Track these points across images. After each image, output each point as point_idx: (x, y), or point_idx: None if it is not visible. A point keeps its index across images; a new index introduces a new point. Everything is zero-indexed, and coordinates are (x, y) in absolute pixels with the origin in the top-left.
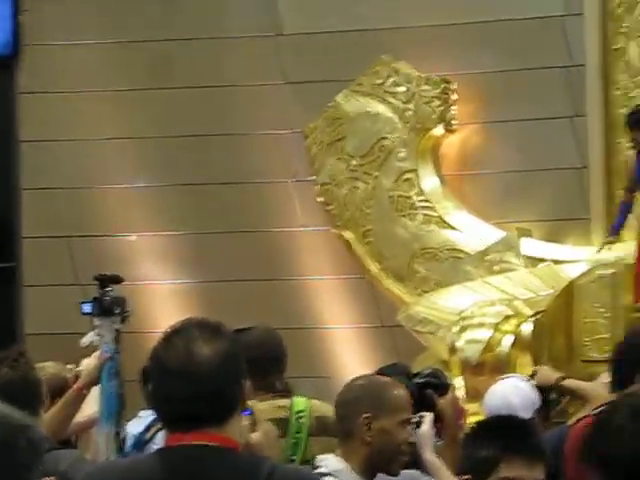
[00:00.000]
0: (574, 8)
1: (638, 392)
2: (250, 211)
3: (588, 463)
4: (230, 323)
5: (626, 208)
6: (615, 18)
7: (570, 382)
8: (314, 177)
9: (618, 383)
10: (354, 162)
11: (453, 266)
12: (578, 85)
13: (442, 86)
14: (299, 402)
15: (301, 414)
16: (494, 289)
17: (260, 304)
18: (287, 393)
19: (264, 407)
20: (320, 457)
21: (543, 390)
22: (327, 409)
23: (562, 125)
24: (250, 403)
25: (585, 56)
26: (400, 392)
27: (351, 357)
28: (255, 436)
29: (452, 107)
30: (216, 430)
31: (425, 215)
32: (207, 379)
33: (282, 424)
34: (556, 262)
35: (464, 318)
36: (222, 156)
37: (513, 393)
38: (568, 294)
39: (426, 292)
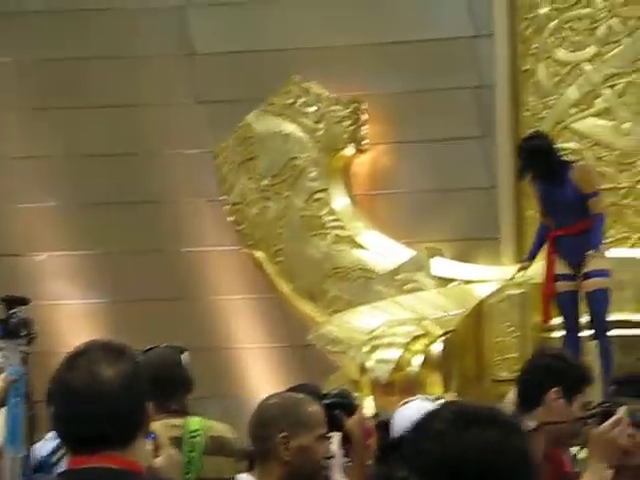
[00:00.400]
0: (484, 29)
1: (460, 401)
2: (161, 230)
3: (410, 469)
4: (140, 343)
5: (544, 230)
6: (524, 39)
7: None
8: (225, 196)
9: (523, 404)
10: (265, 182)
11: (364, 286)
12: (488, 106)
13: (352, 106)
14: (194, 422)
15: (195, 433)
16: (404, 309)
17: (171, 324)
18: (183, 413)
19: (157, 426)
20: (237, 477)
21: None
22: (223, 429)
23: (472, 145)
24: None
25: (495, 77)
26: (315, 408)
27: (262, 377)
28: (158, 460)
29: (363, 127)
30: (120, 453)
31: (336, 235)
32: (110, 400)
33: (175, 443)
34: (466, 282)
35: (374, 338)
36: (133, 175)
37: (420, 414)
38: (478, 314)
39: (337, 312)
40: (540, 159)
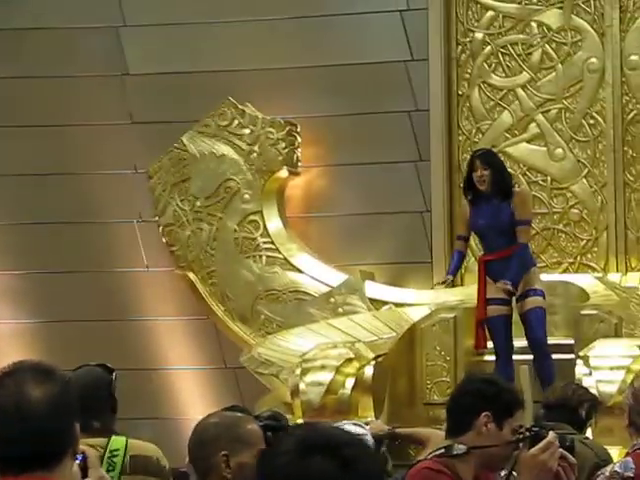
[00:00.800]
0: (419, 53)
1: (311, 425)
2: (94, 251)
3: None
4: (72, 364)
5: (459, 256)
6: (459, 64)
7: (403, 430)
8: (159, 217)
9: (453, 429)
10: (198, 203)
11: (297, 308)
12: (422, 130)
13: (287, 128)
14: (116, 441)
15: (115, 453)
16: (337, 331)
17: (103, 345)
18: (107, 432)
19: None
20: None
21: (376, 441)
22: (148, 449)
23: (406, 169)
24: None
25: (429, 101)
26: (253, 426)
27: (194, 398)
28: None
29: (297, 150)
30: (48, 473)
31: (269, 257)
32: (37, 420)
33: None
34: (399, 305)
35: (306, 361)
36: (66, 195)
37: None
38: (410, 337)
39: (270, 334)
40: (493, 168)
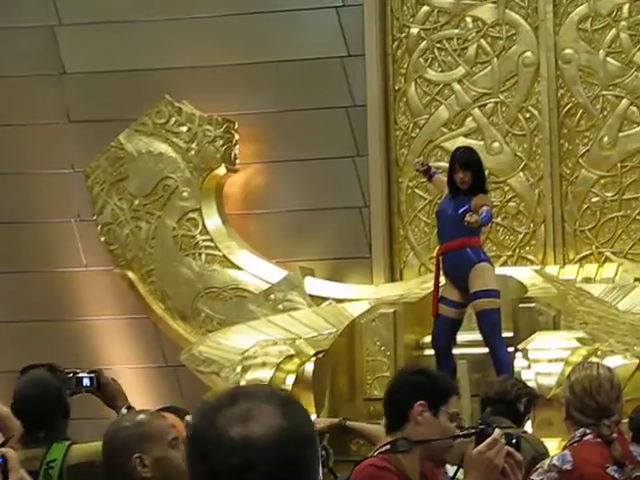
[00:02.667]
0: (355, 49)
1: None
2: (32, 251)
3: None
4: (14, 364)
5: None
6: (395, 59)
7: (354, 423)
8: (97, 217)
9: (391, 425)
10: (137, 202)
11: (237, 305)
12: (360, 125)
13: (225, 126)
14: (55, 450)
15: (51, 464)
16: (278, 328)
17: (43, 345)
18: (52, 439)
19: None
20: None
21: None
22: (93, 451)
23: (344, 165)
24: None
25: (366, 97)
26: (160, 420)
27: (135, 397)
28: None
29: (235, 147)
30: None
31: (209, 254)
32: None
33: (32, 477)
34: (339, 301)
35: (247, 358)
36: (4, 195)
37: None
38: (350, 333)
39: (210, 331)
40: (474, 170)
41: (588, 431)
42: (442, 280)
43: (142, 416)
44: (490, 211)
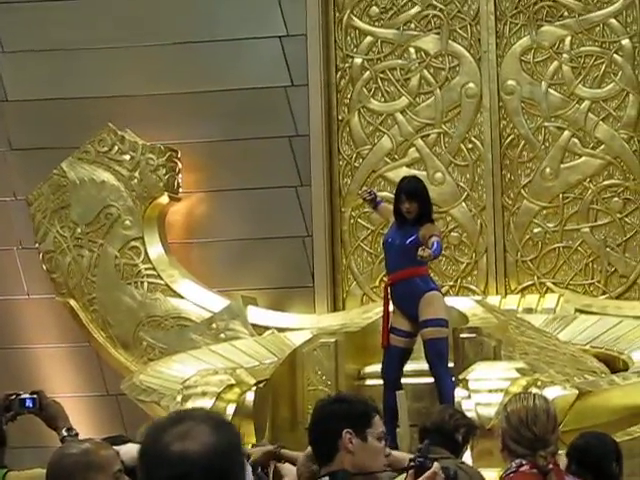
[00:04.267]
0: (299, 79)
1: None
2: None
3: None
4: None
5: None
6: (339, 89)
7: (288, 452)
8: (39, 244)
9: (323, 458)
10: (79, 230)
11: (179, 334)
12: (303, 155)
13: (167, 154)
14: None
15: None
16: (219, 357)
17: None
18: None
19: None
20: None
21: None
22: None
23: (287, 194)
24: None
25: (310, 126)
26: (107, 451)
27: (77, 426)
28: None
29: (178, 175)
30: None
31: (151, 283)
32: None
33: None
34: (281, 330)
35: (187, 387)
36: None
37: None
38: (292, 362)
39: (152, 360)
40: (420, 201)
41: (524, 462)
42: (390, 309)
43: (89, 445)
44: (440, 242)
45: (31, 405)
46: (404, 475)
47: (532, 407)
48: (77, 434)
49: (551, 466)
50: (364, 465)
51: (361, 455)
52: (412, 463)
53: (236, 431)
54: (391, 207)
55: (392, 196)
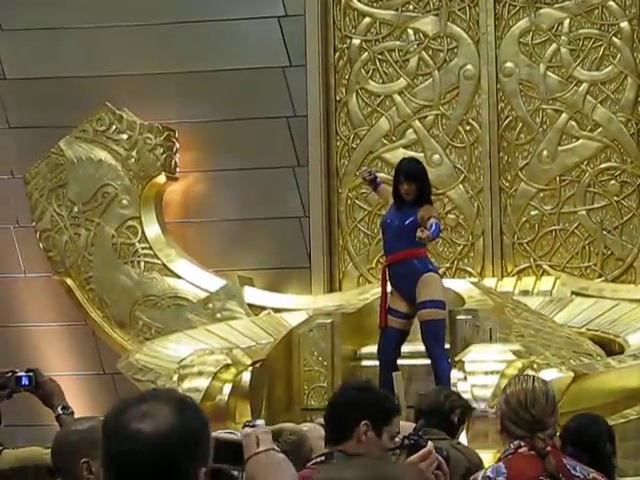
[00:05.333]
0: (297, 60)
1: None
2: None
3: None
4: None
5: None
6: (337, 70)
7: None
8: (35, 223)
9: (332, 438)
10: (76, 209)
11: (175, 314)
12: (301, 135)
13: (165, 134)
14: None
15: None
16: (215, 337)
17: None
18: None
19: None
20: None
21: None
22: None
23: (284, 174)
24: None
25: (307, 107)
26: None
27: (72, 404)
28: None
29: (175, 155)
30: None
31: (147, 262)
32: None
33: None
34: (277, 310)
35: (183, 367)
36: None
37: None
38: (288, 343)
39: (148, 340)
40: (419, 182)
41: (522, 443)
42: (388, 290)
43: (95, 422)
44: (439, 223)
45: (27, 383)
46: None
47: (531, 389)
48: (72, 412)
49: (549, 448)
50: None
51: (369, 449)
52: (406, 441)
53: (200, 416)
54: (390, 188)
55: (390, 178)
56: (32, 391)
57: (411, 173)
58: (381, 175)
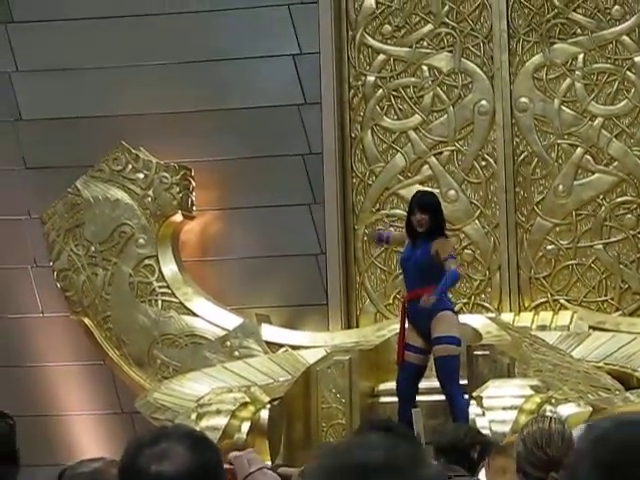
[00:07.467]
0: (312, 97)
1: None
2: None
3: None
4: None
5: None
6: (352, 107)
7: (284, 469)
8: (53, 263)
9: None
10: (93, 248)
11: (193, 352)
12: (316, 173)
13: (181, 173)
14: None
15: None
16: (233, 375)
17: None
18: None
19: None
20: None
21: None
22: None
23: (301, 212)
24: None
25: (323, 144)
26: (117, 470)
27: (91, 444)
28: None
29: (191, 194)
30: None
31: (165, 301)
32: None
33: None
34: (295, 348)
35: (201, 405)
36: None
37: None
38: (306, 380)
39: (166, 378)
40: (432, 213)
41: None
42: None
43: (99, 464)
44: (457, 272)
45: None
46: None
47: (547, 429)
48: None
49: None
50: None
51: None
52: None
53: (214, 448)
54: (400, 232)
55: (405, 214)
56: None
57: (424, 203)
58: (397, 212)
